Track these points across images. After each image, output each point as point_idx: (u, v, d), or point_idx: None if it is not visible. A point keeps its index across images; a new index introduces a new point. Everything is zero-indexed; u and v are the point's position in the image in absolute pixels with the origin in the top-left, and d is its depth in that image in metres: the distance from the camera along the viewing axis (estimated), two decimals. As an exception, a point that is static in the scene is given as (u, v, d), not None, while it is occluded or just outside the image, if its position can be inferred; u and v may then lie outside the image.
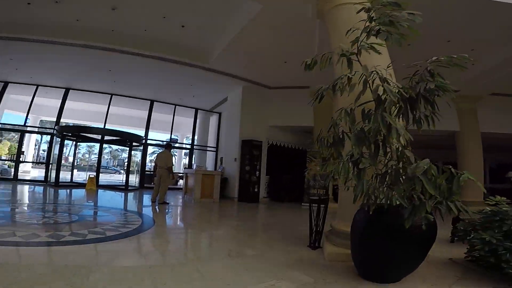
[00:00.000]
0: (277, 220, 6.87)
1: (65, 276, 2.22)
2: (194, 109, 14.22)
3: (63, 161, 10.86)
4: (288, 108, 10.16)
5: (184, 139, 20.72)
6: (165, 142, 13.02)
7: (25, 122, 11.65)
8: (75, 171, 12.45)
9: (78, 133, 11.45)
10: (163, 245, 3.85)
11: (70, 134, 11.18)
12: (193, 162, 14.33)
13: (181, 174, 13.91)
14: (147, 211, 6.51)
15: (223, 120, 14.10)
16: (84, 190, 9.96)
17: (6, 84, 10.98)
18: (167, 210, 6.90)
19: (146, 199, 9.34)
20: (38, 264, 2.51)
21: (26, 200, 7.39)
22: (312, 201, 3.90)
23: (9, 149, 17.01)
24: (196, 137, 14.36)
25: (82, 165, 28.56)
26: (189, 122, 16.11)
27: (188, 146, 15.27)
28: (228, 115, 11.69)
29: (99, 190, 10.20)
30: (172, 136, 13.91)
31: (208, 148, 14.50)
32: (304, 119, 9.69)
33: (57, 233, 3.61)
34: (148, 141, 12.88)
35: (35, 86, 11.28)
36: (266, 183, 10.45)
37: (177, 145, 14.57)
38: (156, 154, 8.01)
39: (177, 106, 13.63)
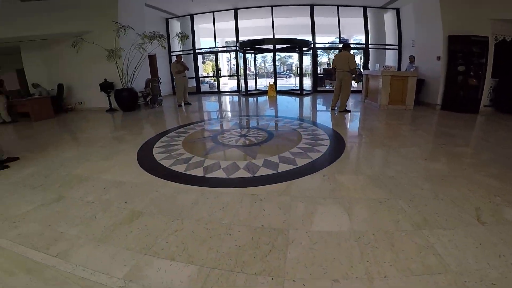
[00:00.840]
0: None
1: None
2: (362, 8, 11.37)
3: (247, 72, 11.89)
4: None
5: (351, 40, 18.37)
6: (341, 43, 11.61)
7: (215, 44, 13.28)
8: (257, 78, 13.64)
9: (255, 46, 11.99)
10: (367, 187, 2.72)
11: (248, 48, 11.81)
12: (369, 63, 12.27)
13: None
14: (329, 122, 5.84)
15: (404, 15, 11.08)
16: (267, 96, 10.75)
17: (192, 16, 12.51)
18: (351, 121, 5.91)
19: (322, 104, 8.73)
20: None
21: (228, 109, 8.33)
22: None
23: (212, 67, 21.22)
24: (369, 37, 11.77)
25: (261, 72, 32.14)
26: (357, 22, 13.41)
27: (360, 45, 12.91)
28: (417, 8, 8.40)
29: (278, 97, 10.70)
30: (341, 38, 11.92)
31: (387, 47, 11.70)
32: None
33: (252, 162, 3.46)
34: (316, 45, 11.99)
35: (211, 13, 12.18)
36: (490, 88, 7.18)
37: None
38: (334, 56, 6.74)
39: (340, 7, 11.30)
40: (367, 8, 11.45)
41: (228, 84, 17.72)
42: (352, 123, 5.85)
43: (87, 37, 8.62)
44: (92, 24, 8.61)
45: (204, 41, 16.55)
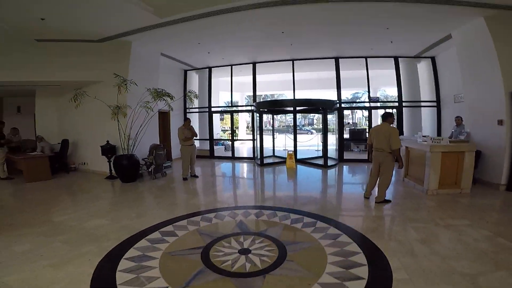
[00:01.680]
0: None
1: None
2: (393, 58, 10.30)
3: (264, 127, 10.93)
4: None
5: (378, 93, 17.08)
6: (371, 101, 10.40)
7: (231, 101, 12.60)
8: (274, 141, 12.35)
9: (273, 108, 11.24)
10: None
11: (265, 110, 10.95)
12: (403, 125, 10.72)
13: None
14: (362, 222, 4.35)
15: (442, 65, 9.88)
16: (285, 167, 9.44)
17: (210, 69, 12.04)
18: (393, 221, 4.42)
19: (351, 183, 7.30)
20: None
21: (237, 189, 7.03)
22: None
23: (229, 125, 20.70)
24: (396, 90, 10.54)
25: (281, 126, 31.03)
26: (384, 74, 12.43)
27: (392, 104, 11.62)
28: (463, 56, 7.22)
29: (297, 168, 9.38)
30: (371, 94, 10.72)
31: (422, 104, 10.34)
32: None
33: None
34: (342, 105, 10.84)
35: (230, 67, 11.65)
36: None
37: (378, 103, 11.18)
38: (371, 129, 5.45)
39: (368, 59, 10.33)
40: (399, 58, 10.37)
41: (246, 143, 16.76)
42: (396, 224, 4.29)
43: (93, 89, 8.12)
44: (102, 74, 8.08)
45: (224, 95, 16.31)
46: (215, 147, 12.23)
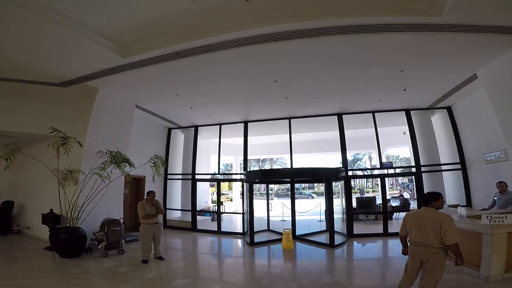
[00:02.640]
0: None
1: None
2: (404, 111, 9.03)
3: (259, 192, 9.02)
4: None
5: (383, 155, 15.48)
6: (384, 167, 8.73)
7: (218, 169, 10.81)
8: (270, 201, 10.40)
9: (267, 179, 9.40)
10: None
11: (257, 180, 9.17)
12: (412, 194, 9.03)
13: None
14: None
15: (461, 117, 8.50)
16: (281, 246, 7.22)
17: (196, 128, 10.72)
18: None
19: (368, 271, 5.15)
20: None
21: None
22: None
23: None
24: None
25: (278, 191, 28.72)
26: (390, 132, 11.17)
27: (410, 169, 9.86)
28: (499, 101, 5.87)
29: (297, 248, 7.23)
30: (389, 155, 9.19)
31: (444, 167, 8.66)
32: None
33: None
34: (350, 173, 9.17)
35: (218, 126, 10.41)
36: None
37: (391, 170, 9.55)
38: (405, 215, 3.55)
39: (376, 114, 9.09)
40: (411, 112, 9.00)
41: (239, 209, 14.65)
42: None
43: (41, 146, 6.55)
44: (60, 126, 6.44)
45: (220, 158, 14.74)
46: (199, 219, 10.20)
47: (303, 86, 6.96)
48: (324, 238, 7.85)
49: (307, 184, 30.19)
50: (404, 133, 12.94)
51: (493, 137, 7.07)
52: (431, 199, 3.38)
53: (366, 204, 11.77)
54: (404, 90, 7.19)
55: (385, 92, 7.44)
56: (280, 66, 5.86)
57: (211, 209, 11.96)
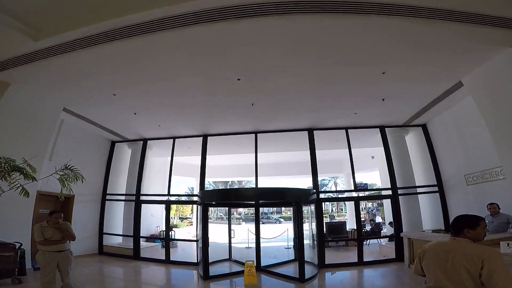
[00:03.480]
0: None
1: None
2: (379, 128, 8.36)
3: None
4: None
5: (351, 181, 14.73)
6: (359, 190, 7.80)
7: (168, 189, 8.97)
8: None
9: (226, 201, 7.84)
10: None
11: (214, 203, 7.68)
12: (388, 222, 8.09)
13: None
14: None
15: (437, 135, 7.97)
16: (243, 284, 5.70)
17: (145, 141, 9.13)
18: None
19: None
20: None
21: None
22: None
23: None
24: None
25: (242, 215, 27.20)
26: (360, 157, 10.44)
27: (385, 191, 9.02)
28: (489, 112, 5.22)
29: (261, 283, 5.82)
30: (357, 181, 8.21)
31: (421, 189, 7.93)
32: None
33: None
34: (321, 195, 8.01)
35: (172, 140, 8.92)
36: None
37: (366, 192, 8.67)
38: (422, 250, 2.33)
39: (350, 130, 8.31)
40: (386, 128, 8.30)
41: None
42: None
43: None
44: None
45: (183, 180, 13.07)
46: (145, 245, 8.50)
47: (271, 90, 5.87)
48: (292, 270, 6.54)
49: (275, 208, 28.92)
50: (373, 157, 12.48)
51: (474, 156, 6.51)
52: (463, 226, 2.24)
53: (336, 229, 10.73)
54: (383, 100, 6.42)
55: (363, 100, 6.57)
56: (242, 59, 4.75)
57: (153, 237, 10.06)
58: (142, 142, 9.11)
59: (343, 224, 11.43)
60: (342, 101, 6.65)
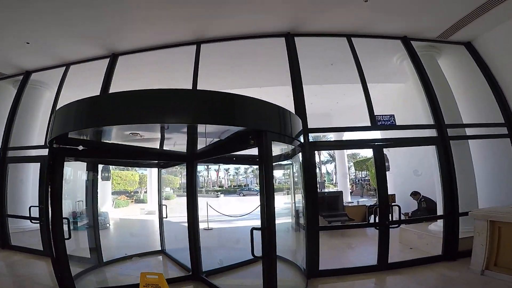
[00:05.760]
0: None
1: None
2: (401, 39, 5.09)
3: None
4: None
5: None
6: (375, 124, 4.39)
7: (46, 140, 5.50)
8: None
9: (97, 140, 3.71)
10: None
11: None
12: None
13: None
14: None
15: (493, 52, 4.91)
16: None
17: (27, 74, 5.84)
18: None
19: None
20: None
21: None
22: None
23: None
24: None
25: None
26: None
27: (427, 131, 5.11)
28: None
29: None
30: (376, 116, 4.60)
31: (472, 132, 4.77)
32: None
33: None
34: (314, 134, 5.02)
35: (64, 67, 5.56)
36: None
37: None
38: None
39: (355, 38, 4.97)
40: (411, 42, 5.09)
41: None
42: None
43: None
44: None
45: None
46: (12, 228, 5.34)
47: None
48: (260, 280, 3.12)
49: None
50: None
51: None
52: None
53: (330, 202, 7.42)
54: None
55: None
56: None
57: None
58: (23, 76, 5.71)
59: (338, 195, 8.12)
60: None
